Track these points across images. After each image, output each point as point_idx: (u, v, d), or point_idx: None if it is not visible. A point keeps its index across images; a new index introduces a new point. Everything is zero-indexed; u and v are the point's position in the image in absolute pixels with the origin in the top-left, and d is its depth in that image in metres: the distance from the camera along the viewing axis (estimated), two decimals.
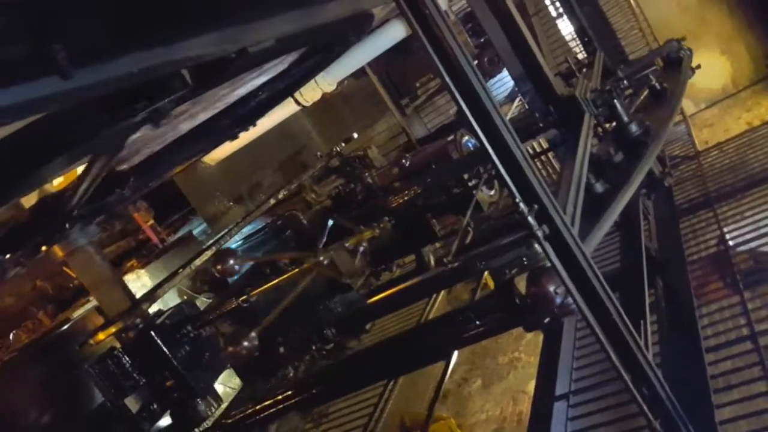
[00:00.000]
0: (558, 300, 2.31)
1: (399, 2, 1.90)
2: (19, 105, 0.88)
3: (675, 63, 4.28)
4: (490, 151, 1.69)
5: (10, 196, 1.77)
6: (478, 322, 2.67)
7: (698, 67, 4.38)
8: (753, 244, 4.02)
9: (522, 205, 1.78)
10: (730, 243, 4.29)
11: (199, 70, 1.43)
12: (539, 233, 1.81)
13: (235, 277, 3.99)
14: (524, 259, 2.36)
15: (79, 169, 2.74)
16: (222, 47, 1.30)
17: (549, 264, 1.92)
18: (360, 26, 2.53)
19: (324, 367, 3.60)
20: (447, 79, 1.70)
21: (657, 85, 3.71)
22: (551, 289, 2.29)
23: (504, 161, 1.73)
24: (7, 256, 2.82)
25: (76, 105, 1.38)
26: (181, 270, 3.42)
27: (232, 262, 2.86)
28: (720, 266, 4.12)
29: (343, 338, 3.97)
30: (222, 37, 1.29)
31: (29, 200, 2.86)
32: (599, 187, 2.85)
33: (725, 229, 4.46)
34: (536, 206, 1.84)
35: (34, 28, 0.79)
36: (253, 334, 2.91)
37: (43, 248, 2.92)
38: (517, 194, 1.80)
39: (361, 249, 3.76)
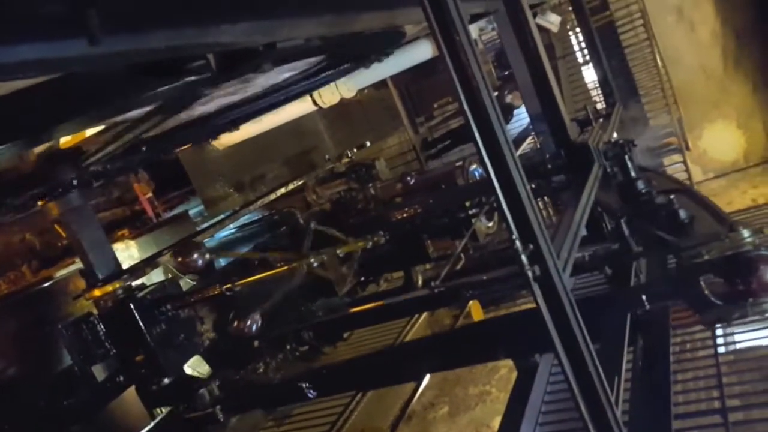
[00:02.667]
0: None
1: (431, 23, 1.92)
2: (43, 61, 0.89)
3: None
4: (495, 182, 1.70)
5: (37, 140, 1.77)
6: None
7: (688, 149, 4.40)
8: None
9: (518, 242, 1.78)
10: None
11: (224, 57, 1.44)
12: (530, 273, 1.82)
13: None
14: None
15: (89, 131, 2.76)
16: (252, 38, 1.31)
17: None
18: (391, 41, 2.55)
19: (299, 371, 3.58)
20: (464, 104, 1.72)
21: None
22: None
23: (507, 195, 1.74)
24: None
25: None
26: (169, 249, 3.41)
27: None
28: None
29: (320, 342, 3.96)
30: (253, 28, 1.30)
31: (32, 155, 2.85)
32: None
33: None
34: (531, 246, 1.84)
35: None
36: (257, 316, 2.92)
37: (40, 202, 2.92)
38: (514, 230, 1.80)
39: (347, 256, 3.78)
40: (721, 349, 3.90)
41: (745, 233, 2.32)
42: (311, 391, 2.92)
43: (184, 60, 1.45)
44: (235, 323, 2.75)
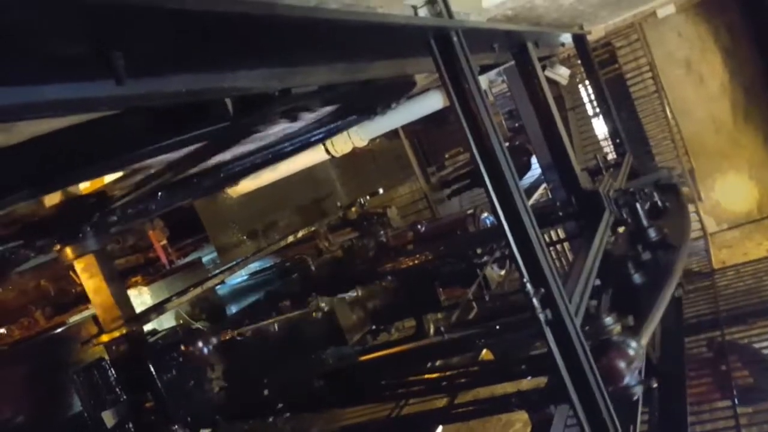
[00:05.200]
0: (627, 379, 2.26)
1: (441, 72, 1.98)
2: (71, 101, 0.93)
3: (670, 188, 4.35)
4: (505, 225, 1.72)
5: (58, 185, 1.82)
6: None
7: (700, 199, 4.42)
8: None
9: (529, 286, 1.79)
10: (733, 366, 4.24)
11: (242, 103, 1.49)
12: (542, 317, 1.81)
13: (247, 301, 4.01)
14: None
15: (107, 177, 2.82)
16: (268, 83, 1.36)
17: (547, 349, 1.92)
18: (401, 91, 2.61)
19: (310, 423, 3.53)
20: (475, 151, 1.75)
21: (659, 202, 3.75)
22: (621, 365, 2.25)
23: (518, 239, 1.75)
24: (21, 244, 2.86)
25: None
26: (179, 295, 3.43)
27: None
28: (719, 386, 4.05)
29: (330, 392, 3.92)
30: (269, 75, 1.35)
31: (51, 199, 2.91)
32: (637, 279, 2.88)
33: (730, 357, 4.42)
34: (543, 290, 1.85)
35: (100, 32, 0.85)
36: (214, 339, 2.89)
37: (57, 247, 2.96)
38: (525, 274, 1.81)
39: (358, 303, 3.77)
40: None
41: (608, 320, 2.31)
42: None
43: (204, 108, 1.51)
44: (183, 347, 2.71)
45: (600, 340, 2.26)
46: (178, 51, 1.06)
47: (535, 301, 1.81)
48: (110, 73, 0.89)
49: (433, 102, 4.40)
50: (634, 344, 2.24)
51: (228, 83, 1.24)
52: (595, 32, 6.46)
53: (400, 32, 1.60)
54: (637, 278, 2.90)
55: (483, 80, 4.62)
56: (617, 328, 2.30)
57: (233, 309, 4.49)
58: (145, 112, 1.46)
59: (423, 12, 1.83)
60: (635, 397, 2.27)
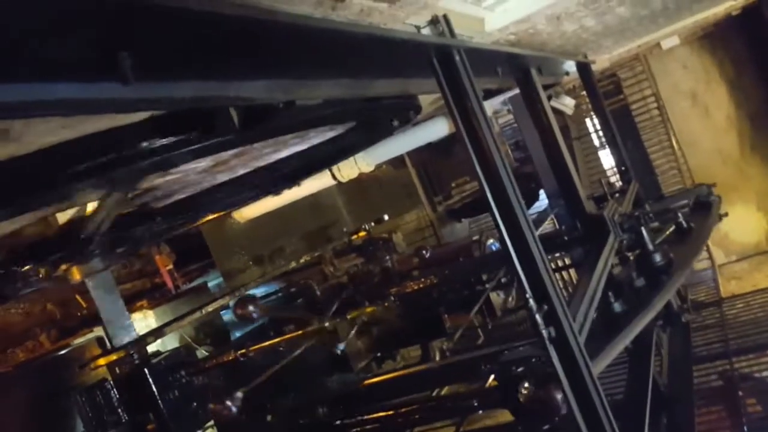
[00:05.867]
0: (562, 411, 2.26)
1: (444, 93, 2.01)
2: (80, 101, 0.95)
3: (704, 206, 4.34)
4: (507, 239, 1.72)
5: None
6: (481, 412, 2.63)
7: (726, 214, 4.43)
8: None
9: (532, 302, 1.79)
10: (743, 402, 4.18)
11: (247, 114, 1.52)
12: (545, 333, 1.80)
13: (252, 326, 4.02)
14: (534, 359, 2.35)
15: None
16: (272, 95, 1.38)
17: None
18: (406, 111, 2.65)
19: None
20: (473, 156, 1.77)
21: (684, 223, 3.74)
22: (558, 396, 2.25)
23: (520, 252, 1.75)
24: (28, 267, 2.88)
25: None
26: (181, 318, 3.43)
27: (251, 308, 2.93)
28: (730, 416, 3.98)
29: (334, 420, 3.88)
30: (274, 86, 1.38)
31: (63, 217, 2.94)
32: (617, 307, 2.84)
33: (742, 387, 4.35)
34: (546, 307, 1.84)
35: (107, 32, 0.88)
36: (239, 394, 2.87)
37: (63, 267, 2.98)
38: (528, 290, 1.81)
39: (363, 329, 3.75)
40: None
41: None
42: None
43: (209, 119, 1.54)
44: (212, 405, 2.71)
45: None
46: (184, 56, 1.09)
47: (538, 317, 1.80)
48: (117, 74, 0.91)
49: (438, 128, 4.45)
50: None
51: (233, 92, 1.27)
52: (600, 63, 6.53)
53: (403, 48, 1.64)
54: (617, 307, 2.85)
55: (488, 108, 4.67)
56: None
57: (237, 334, 4.47)
58: (150, 123, 1.49)
59: (426, 32, 1.87)
60: None
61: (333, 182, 4.57)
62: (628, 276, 3.15)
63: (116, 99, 1.00)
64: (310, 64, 1.48)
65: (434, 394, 4.85)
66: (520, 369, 2.55)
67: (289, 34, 1.24)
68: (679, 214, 3.85)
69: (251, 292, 4.40)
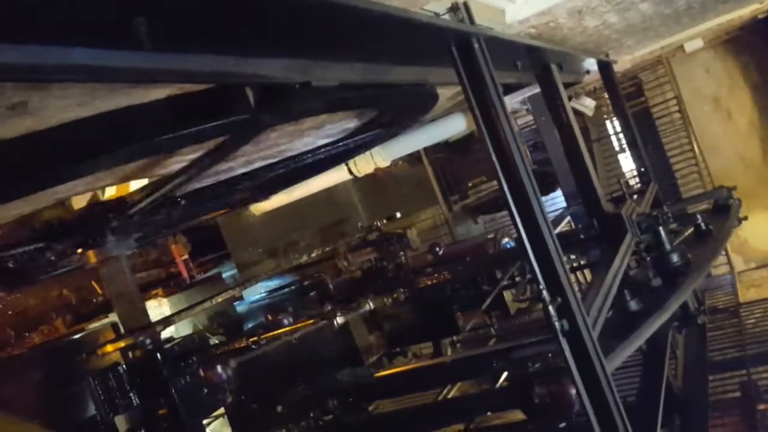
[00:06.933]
0: (576, 406, 2.24)
1: (463, 83, 1.99)
2: (97, 68, 0.95)
3: (723, 209, 4.28)
4: (520, 226, 1.70)
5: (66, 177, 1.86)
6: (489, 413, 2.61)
7: (745, 218, 4.37)
8: None
9: (545, 293, 1.77)
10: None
11: (263, 94, 1.52)
12: (557, 326, 1.78)
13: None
14: (549, 355, 2.33)
15: (133, 183, 2.87)
16: (289, 75, 1.38)
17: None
18: (423, 102, 2.64)
19: None
20: (489, 145, 1.75)
21: (703, 225, 3.69)
22: (572, 391, 2.23)
23: (534, 243, 1.74)
24: (47, 251, 2.91)
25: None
26: (194, 306, 3.44)
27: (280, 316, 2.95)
28: (746, 426, 3.93)
29: (343, 414, 3.88)
30: (291, 66, 1.37)
31: (78, 203, 2.96)
32: (633, 306, 2.81)
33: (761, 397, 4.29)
34: (560, 299, 1.82)
35: None
36: (233, 362, 2.87)
37: (80, 250, 3.00)
38: (542, 281, 1.79)
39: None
40: None
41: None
42: None
43: (225, 98, 1.54)
44: (203, 371, 2.68)
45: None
46: (203, 29, 1.08)
47: (551, 309, 1.78)
48: (132, 40, 0.91)
49: (456, 124, 4.42)
50: None
51: (251, 69, 1.27)
52: (622, 63, 6.46)
53: (421, 33, 1.63)
54: (633, 305, 2.82)
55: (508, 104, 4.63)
56: None
57: (250, 325, 4.49)
58: (165, 101, 1.49)
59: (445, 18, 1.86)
60: None
61: (349, 177, 4.56)
62: (645, 275, 3.11)
63: (133, 67, 1.00)
64: (328, 46, 1.48)
65: (443, 394, 4.85)
66: (534, 366, 2.53)
67: (307, 12, 1.23)
68: (698, 216, 3.80)
69: (262, 288, 4.42)
